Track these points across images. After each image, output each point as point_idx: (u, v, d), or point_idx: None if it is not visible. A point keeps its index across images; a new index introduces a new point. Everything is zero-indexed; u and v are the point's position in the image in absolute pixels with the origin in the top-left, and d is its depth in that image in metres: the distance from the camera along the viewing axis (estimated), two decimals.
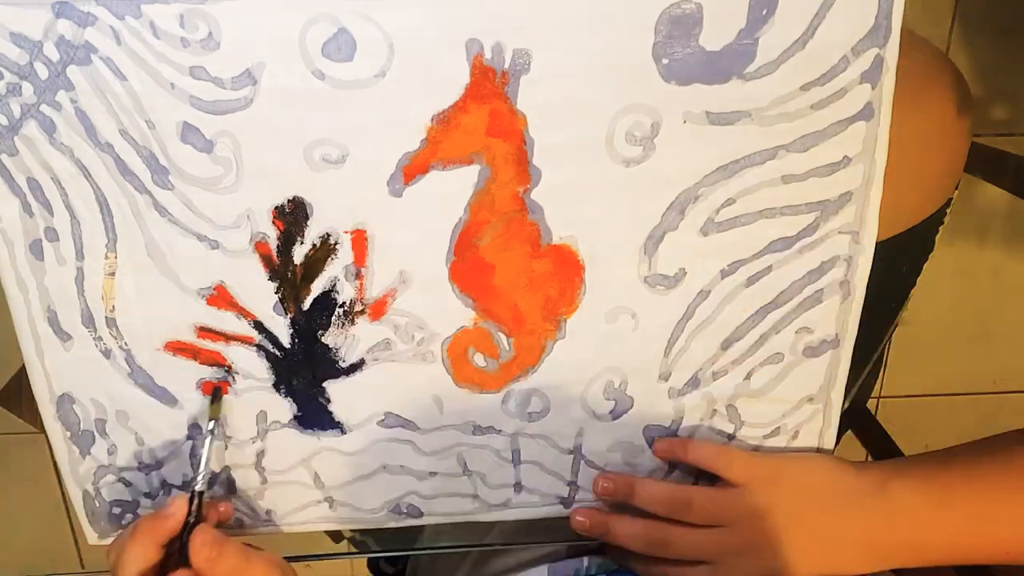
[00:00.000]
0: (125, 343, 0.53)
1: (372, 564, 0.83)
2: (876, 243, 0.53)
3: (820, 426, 0.58)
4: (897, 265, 0.62)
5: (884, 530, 0.54)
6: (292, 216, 0.50)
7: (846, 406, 0.60)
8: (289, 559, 0.56)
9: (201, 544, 0.49)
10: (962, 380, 1.38)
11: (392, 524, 0.60)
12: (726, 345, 0.55)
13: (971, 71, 1.16)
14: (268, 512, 0.59)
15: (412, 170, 0.50)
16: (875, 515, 0.54)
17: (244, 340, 0.54)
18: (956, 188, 0.62)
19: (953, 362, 1.36)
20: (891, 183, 0.51)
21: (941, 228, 0.63)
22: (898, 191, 0.52)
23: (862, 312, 0.55)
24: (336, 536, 0.64)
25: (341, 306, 0.53)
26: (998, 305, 1.30)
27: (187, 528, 0.51)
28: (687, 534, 0.55)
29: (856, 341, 0.56)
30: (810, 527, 0.54)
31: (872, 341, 0.63)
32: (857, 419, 1.11)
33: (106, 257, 0.51)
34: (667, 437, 0.58)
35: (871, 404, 1.36)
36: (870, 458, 1.12)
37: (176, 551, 0.50)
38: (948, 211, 0.62)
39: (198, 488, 0.52)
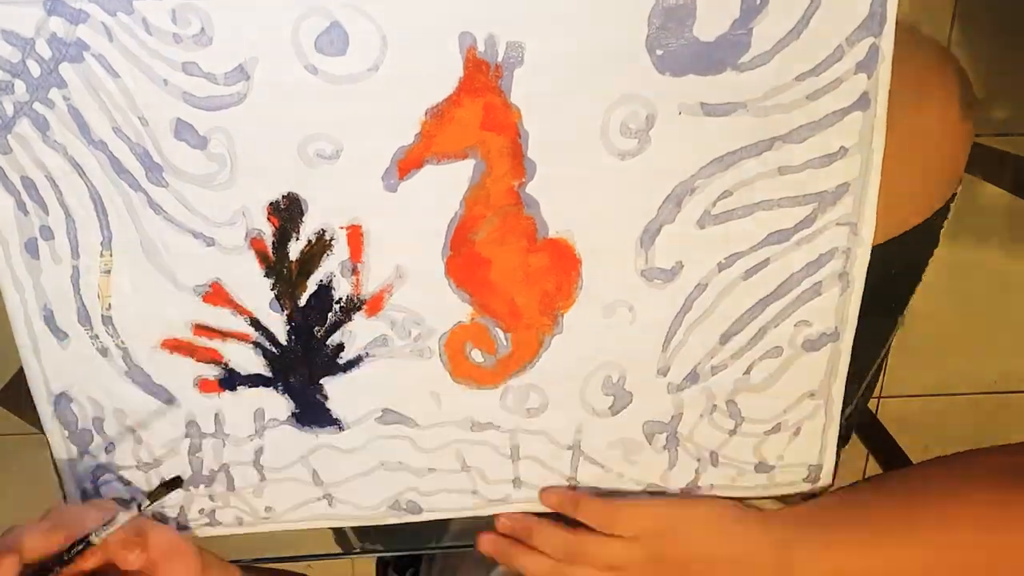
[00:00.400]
0: (122, 341, 0.53)
1: (380, 572, 0.83)
2: (880, 242, 0.53)
3: (823, 423, 0.58)
4: (898, 264, 0.62)
5: None
6: (287, 212, 0.50)
7: (852, 415, 0.59)
8: (289, 559, 0.56)
9: None
10: (962, 380, 1.38)
11: (391, 520, 0.60)
12: (725, 339, 0.55)
13: (971, 71, 1.16)
14: (267, 509, 0.59)
15: (407, 164, 0.49)
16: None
17: (240, 337, 0.54)
18: (959, 184, 0.62)
19: (953, 362, 1.36)
20: (896, 180, 0.51)
21: (945, 222, 0.63)
22: (904, 188, 0.52)
23: (864, 314, 0.55)
24: (342, 541, 0.64)
25: (337, 302, 0.53)
26: (998, 305, 1.30)
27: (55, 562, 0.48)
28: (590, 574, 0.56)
29: (859, 344, 0.55)
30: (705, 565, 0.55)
31: (876, 343, 0.63)
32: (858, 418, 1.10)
33: (101, 255, 0.51)
34: (558, 489, 0.59)
35: (871, 404, 1.36)
36: (870, 458, 1.11)
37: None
38: (951, 205, 0.62)
39: (92, 539, 0.49)
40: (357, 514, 0.59)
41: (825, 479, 0.60)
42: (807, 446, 0.59)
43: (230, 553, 0.62)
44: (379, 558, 0.80)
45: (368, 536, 0.64)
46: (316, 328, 0.53)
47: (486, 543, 0.59)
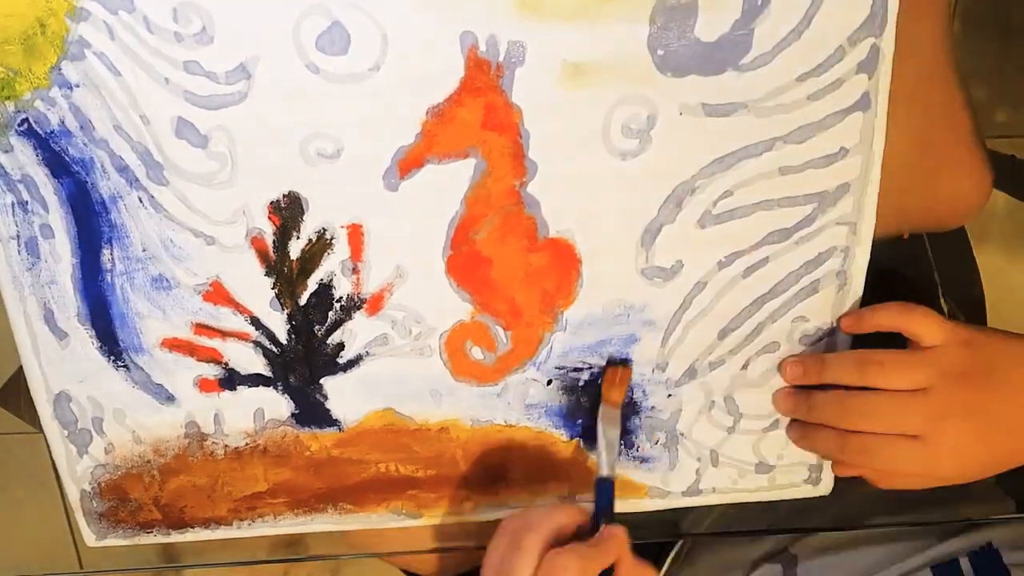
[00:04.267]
0: (122, 340, 0.53)
1: None
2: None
3: None
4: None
5: None
6: (288, 211, 0.50)
7: None
8: (288, 561, 0.56)
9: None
10: None
11: (391, 524, 0.60)
12: (723, 335, 0.55)
13: (971, 72, 1.16)
14: None
15: (407, 164, 0.49)
16: None
17: (241, 336, 0.54)
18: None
19: None
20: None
21: None
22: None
23: None
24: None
25: (338, 301, 0.53)
26: (998, 306, 1.30)
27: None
28: (886, 399, 0.52)
29: None
30: (1011, 387, 0.52)
31: None
32: None
33: (102, 254, 0.51)
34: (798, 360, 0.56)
35: None
36: None
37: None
38: None
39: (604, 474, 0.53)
40: (358, 517, 0.59)
41: (826, 482, 0.60)
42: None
43: (230, 554, 0.62)
44: None
45: None
46: (316, 327, 0.53)
47: (781, 401, 0.57)
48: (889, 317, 0.53)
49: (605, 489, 0.54)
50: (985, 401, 0.51)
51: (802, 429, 0.57)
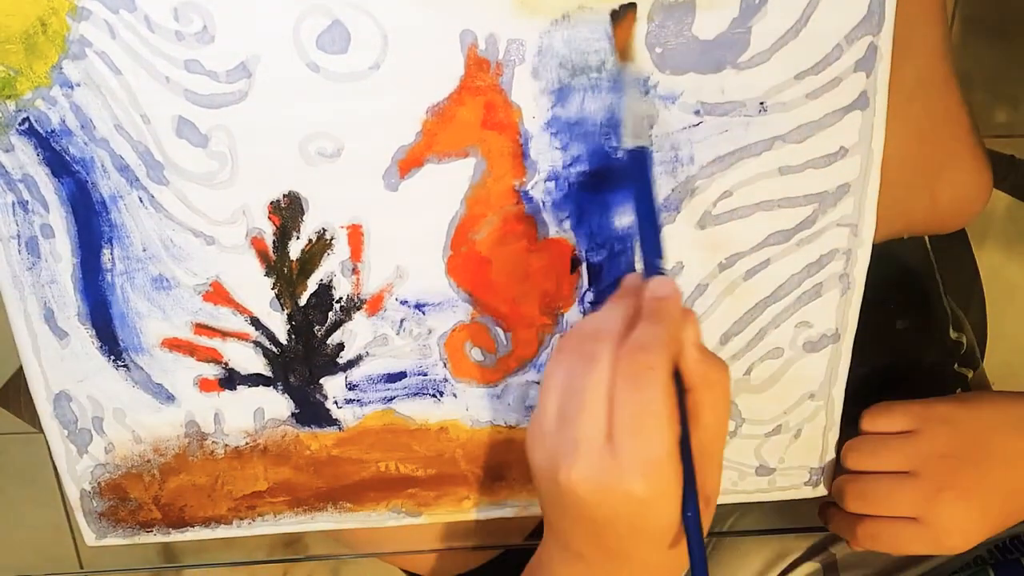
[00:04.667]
0: (122, 340, 0.53)
1: None
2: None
3: (824, 424, 0.58)
4: None
5: None
6: (288, 211, 0.50)
7: None
8: (288, 561, 0.56)
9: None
10: None
11: (391, 523, 0.60)
12: (725, 339, 0.55)
13: (972, 73, 1.16)
14: None
15: (407, 164, 0.49)
16: None
17: (241, 336, 0.54)
18: None
19: None
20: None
21: None
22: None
23: None
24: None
25: (338, 301, 0.53)
26: (998, 306, 1.30)
27: None
28: (875, 485, 0.54)
29: None
30: (1002, 458, 0.53)
31: None
32: None
33: (102, 253, 0.51)
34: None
35: None
36: None
37: None
38: None
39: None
40: (358, 517, 0.59)
41: (826, 484, 0.60)
42: (808, 449, 0.59)
43: (230, 554, 0.62)
44: None
45: None
46: (316, 327, 0.53)
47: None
48: (866, 426, 0.56)
49: (640, 162, 0.47)
50: (974, 477, 0.53)
51: (823, 507, 0.60)
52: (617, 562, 0.45)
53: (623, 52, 0.47)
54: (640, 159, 0.47)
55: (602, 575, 0.46)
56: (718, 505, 0.46)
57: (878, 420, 0.56)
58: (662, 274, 0.45)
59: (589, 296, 0.53)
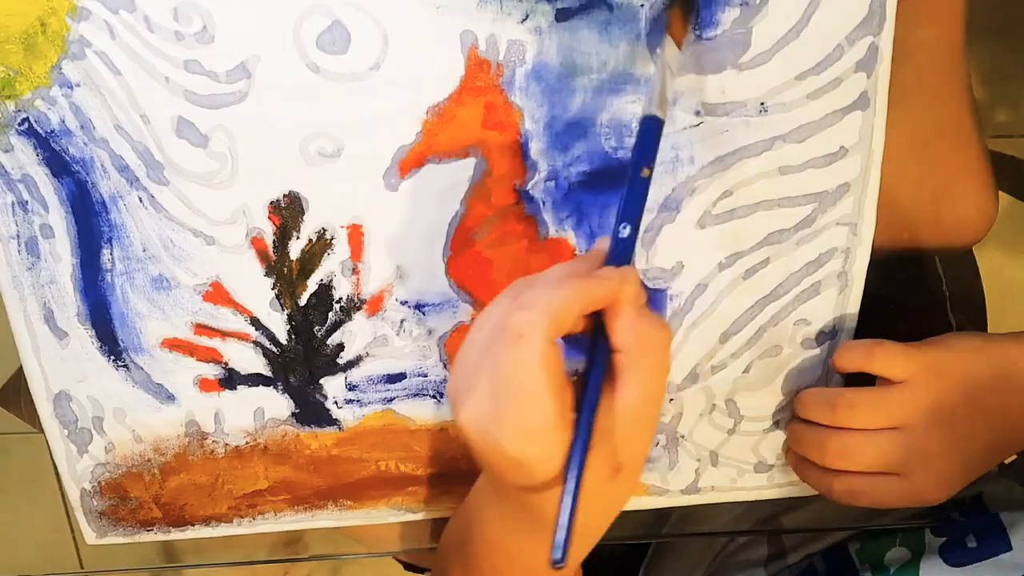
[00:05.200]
0: (122, 340, 0.53)
1: None
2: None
3: None
4: None
5: None
6: (288, 211, 0.50)
7: None
8: (288, 561, 0.55)
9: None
10: None
11: (391, 520, 0.60)
12: (724, 338, 0.55)
13: (972, 73, 1.16)
14: None
15: (408, 164, 0.49)
16: None
17: (241, 336, 0.54)
18: None
19: None
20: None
21: None
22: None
23: None
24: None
25: (338, 301, 0.53)
26: (998, 306, 1.30)
27: None
28: (862, 441, 0.52)
29: None
30: (985, 409, 0.51)
31: None
32: None
33: (102, 254, 0.51)
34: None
35: None
36: None
37: None
38: None
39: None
40: (359, 514, 0.59)
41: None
42: None
43: (230, 554, 0.62)
44: None
45: None
46: (316, 327, 0.53)
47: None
48: (854, 360, 0.53)
49: (648, 132, 0.44)
50: (960, 432, 0.51)
51: (795, 458, 0.57)
52: (509, 503, 0.45)
53: (676, 36, 0.46)
54: (652, 127, 0.44)
55: (498, 511, 0.46)
56: None
57: (856, 361, 0.53)
58: (622, 240, 0.42)
59: None
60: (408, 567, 0.85)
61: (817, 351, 0.56)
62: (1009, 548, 0.55)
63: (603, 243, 0.43)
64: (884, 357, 0.51)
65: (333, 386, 0.55)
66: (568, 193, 0.51)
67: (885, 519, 0.62)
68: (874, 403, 0.51)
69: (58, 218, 0.50)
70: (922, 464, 0.51)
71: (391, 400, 0.56)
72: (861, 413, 0.51)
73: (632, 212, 0.42)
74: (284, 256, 0.52)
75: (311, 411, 0.56)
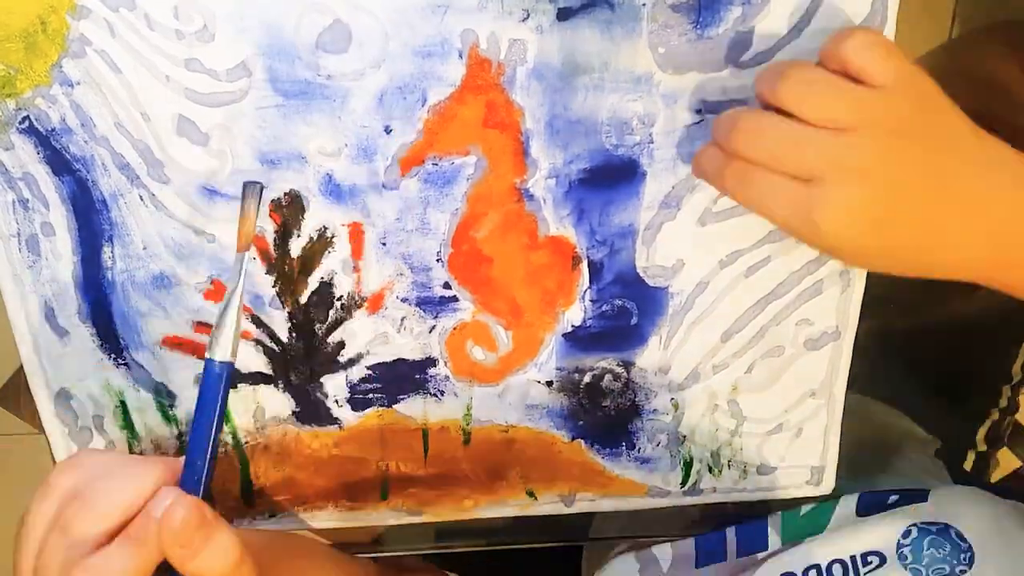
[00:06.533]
0: (122, 338, 0.53)
1: None
2: None
3: (824, 424, 0.58)
4: None
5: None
6: (288, 209, 0.50)
7: None
8: None
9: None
10: None
11: (392, 522, 0.60)
12: (726, 337, 0.55)
13: None
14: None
15: (409, 162, 0.49)
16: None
17: (241, 335, 0.53)
18: None
19: None
20: None
21: None
22: None
23: None
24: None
25: (339, 299, 0.53)
26: None
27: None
28: (787, 128, 0.42)
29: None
30: (954, 173, 0.42)
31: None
32: None
33: (103, 251, 0.51)
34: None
35: None
36: None
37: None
38: None
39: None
40: (359, 515, 0.59)
41: (828, 482, 0.60)
42: (809, 447, 0.59)
43: None
44: None
45: None
46: (317, 326, 0.53)
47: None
48: (846, 49, 0.42)
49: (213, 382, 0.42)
50: (912, 172, 0.42)
51: (699, 148, 0.47)
52: None
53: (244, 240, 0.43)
54: (218, 375, 0.43)
55: None
56: None
57: (864, 56, 0.42)
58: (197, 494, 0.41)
59: (590, 294, 0.53)
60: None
61: (820, 352, 0.56)
62: (925, 500, 0.55)
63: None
64: (879, 56, 0.41)
65: (334, 384, 0.55)
66: (569, 191, 0.51)
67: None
68: (833, 89, 0.41)
69: (59, 216, 0.50)
70: (838, 178, 0.41)
71: (392, 399, 0.56)
72: (811, 96, 0.41)
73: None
74: (285, 254, 0.51)
75: (312, 410, 0.56)
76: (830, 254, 0.47)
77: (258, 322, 0.53)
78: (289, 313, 0.53)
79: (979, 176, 0.43)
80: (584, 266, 0.52)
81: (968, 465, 0.71)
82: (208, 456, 0.42)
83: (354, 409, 0.56)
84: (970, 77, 0.48)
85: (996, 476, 0.71)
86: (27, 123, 0.48)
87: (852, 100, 0.41)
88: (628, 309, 0.54)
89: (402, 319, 0.53)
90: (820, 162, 0.41)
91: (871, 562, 0.53)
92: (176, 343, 0.54)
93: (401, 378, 0.55)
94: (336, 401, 0.56)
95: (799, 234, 0.44)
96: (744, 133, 0.43)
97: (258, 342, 0.54)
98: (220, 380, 0.42)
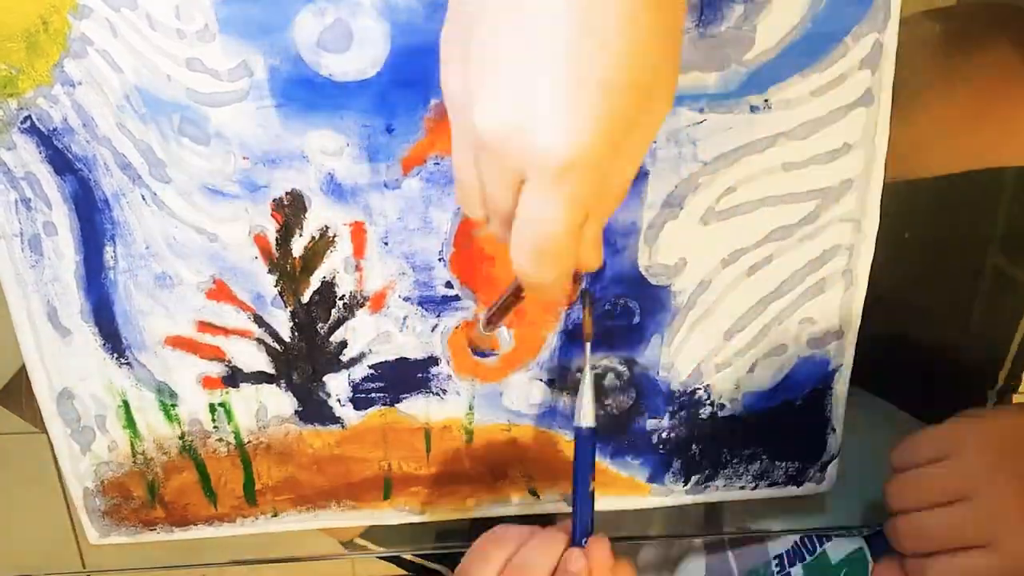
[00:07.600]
0: (125, 338, 0.53)
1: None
2: None
3: (828, 421, 0.58)
4: None
5: None
6: (290, 208, 0.50)
7: None
8: (291, 559, 0.56)
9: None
10: None
11: (394, 521, 0.60)
12: (728, 336, 0.55)
13: None
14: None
15: (410, 161, 0.49)
16: None
17: (243, 334, 0.53)
18: None
19: None
20: None
21: None
22: None
23: None
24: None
25: (341, 298, 0.53)
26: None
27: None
28: (932, 519, 0.49)
29: None
30: None
31: None
32: None
33: (105, 251, 0.51)
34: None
35: None
36: None
37: None
38: None
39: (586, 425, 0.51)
40: (362, 514, 0.59)
41: (829, 482, 0.60)
42: (811, 447, 0.59)
43: (232, 554, 0.62)
44: None
45: None
46: (319, 325, 0.53)
47: None
48: (900, 458, 0.52)
49: (588, 443, 0.51)
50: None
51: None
52: None
53: (587, 331, 0.51)
54: (587, 439, 0.51)
55: None
56: None
57: (906, 454, 0.51)
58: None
59: (591, 293, 0.53)
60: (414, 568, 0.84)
61: (822, 351, 0.55)
62: None
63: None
64: (909, 448, 0.51)
65: (336, 384, 0.55)
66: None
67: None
68: (931, 477, 0.49)
69: (61, 215, 0.50)
70: (1006, 528, 0.47)
71: (394, 398, 0.56)
72: (924, 490, 0.50)
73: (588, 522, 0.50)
74: (287, 253, 0.51)
75: (314, 409, 0.56)
76: None
77: (260, 321, 0.53)
78: (291, 312, 0.53)
79: None
80: None
81: None
82: (592, 508, 0.51)
83: (356, 408, 0.56)
84: (963, 47, 0.50)
85: None
86: (29, 123, 0.48)
87: (947, 478, 0.49)
88: (631, 308, 0.54)
89: (404, 318, 0.53)
90: (975, 533, 0.48)
91: None
92: (179, 342, 0.54)
93: (403, 377, 0.55)
94: (338, 400, 0.56)
95: None
96: (913, 539, 0.50)
97: (260, 341, 0.54)
98: (588, 442, 0.51)
